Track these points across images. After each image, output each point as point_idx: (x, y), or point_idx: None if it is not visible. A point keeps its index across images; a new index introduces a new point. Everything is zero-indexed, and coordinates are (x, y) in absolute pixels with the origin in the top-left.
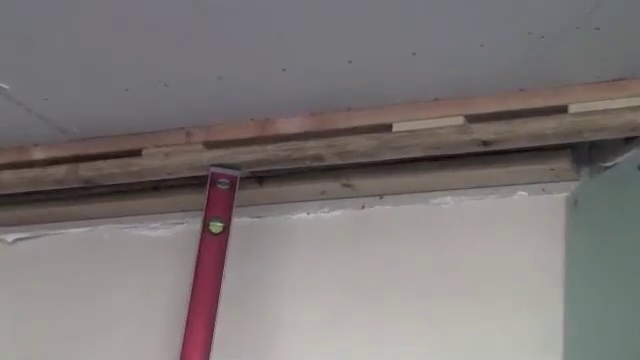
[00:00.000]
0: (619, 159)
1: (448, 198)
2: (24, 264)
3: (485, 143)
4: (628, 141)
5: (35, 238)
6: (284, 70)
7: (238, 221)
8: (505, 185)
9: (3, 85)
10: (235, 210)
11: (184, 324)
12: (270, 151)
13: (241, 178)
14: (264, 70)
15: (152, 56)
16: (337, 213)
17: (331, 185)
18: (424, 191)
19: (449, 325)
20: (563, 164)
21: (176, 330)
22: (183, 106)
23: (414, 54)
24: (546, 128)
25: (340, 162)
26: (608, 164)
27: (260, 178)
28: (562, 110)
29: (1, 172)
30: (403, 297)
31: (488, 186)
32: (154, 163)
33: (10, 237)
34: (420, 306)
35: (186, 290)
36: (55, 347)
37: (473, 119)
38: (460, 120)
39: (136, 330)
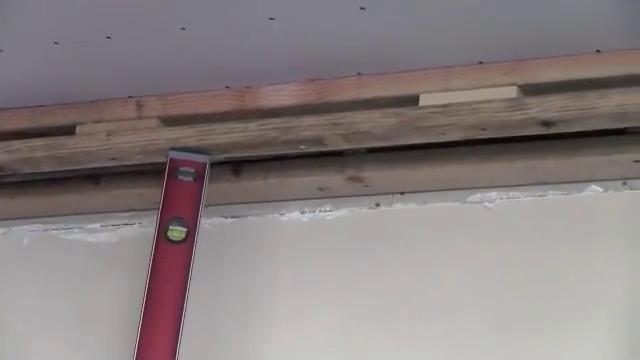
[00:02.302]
0: None
1: (493, 195)
2: None
3: (546, 123)
4: None
5: None
6: (272, 19)
7: (207, 223)
8: (572, 180)
9: None
10: (203, 210)
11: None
12: (251, 131)
13: (212, 167)
14: (244, 19)
15: None
16: (342, 213)
17: (334, 179)
18: (460, 187)
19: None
20: None
21: None
22: (133, 67)
23: None
24: (632, 104)
25: (347, 147)
26: None
27: (237, 167)
28: None
29: None
30: (431, 324)
31: (549, 181)
32: (92, 145)
33: None
34: (453, 335)
35: (135, 315)
36: None
37: (530, 90)
38: (513, 91)
39: None
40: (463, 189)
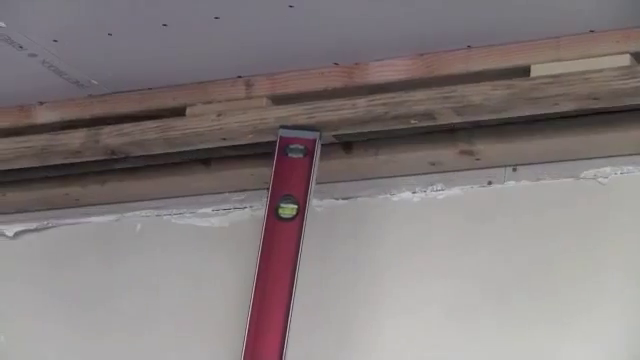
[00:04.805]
0: None
1: (608, 169)
2: (28, 264)
3: None
4: None
5: (43, 230)
6: None
7: (318, 204)
8: None
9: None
10: (314, 192)
11: (245, 337)
12: (360, 107)
13: (322, 146)
14: None
15: None
16: (454, 192)
17: (445, 152)
18: (574, 159)
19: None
20: None
21: (233, 344)
22: (241, 47)
23: None
24: None
25: (458, 120)
26: None
27: (347, 144)
28: None
29: None
30: (545, 303)
31: None
32: (203, 125)
33: (11, 229)
34: (566, 313)
35: (247, 297)
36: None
37: None
38: (625, 60)
39: (181, 348)
40: (576, 160)
